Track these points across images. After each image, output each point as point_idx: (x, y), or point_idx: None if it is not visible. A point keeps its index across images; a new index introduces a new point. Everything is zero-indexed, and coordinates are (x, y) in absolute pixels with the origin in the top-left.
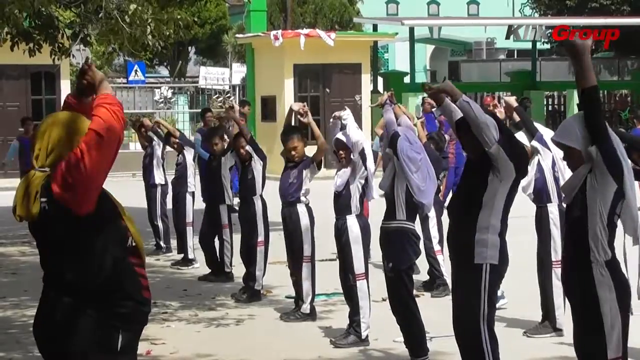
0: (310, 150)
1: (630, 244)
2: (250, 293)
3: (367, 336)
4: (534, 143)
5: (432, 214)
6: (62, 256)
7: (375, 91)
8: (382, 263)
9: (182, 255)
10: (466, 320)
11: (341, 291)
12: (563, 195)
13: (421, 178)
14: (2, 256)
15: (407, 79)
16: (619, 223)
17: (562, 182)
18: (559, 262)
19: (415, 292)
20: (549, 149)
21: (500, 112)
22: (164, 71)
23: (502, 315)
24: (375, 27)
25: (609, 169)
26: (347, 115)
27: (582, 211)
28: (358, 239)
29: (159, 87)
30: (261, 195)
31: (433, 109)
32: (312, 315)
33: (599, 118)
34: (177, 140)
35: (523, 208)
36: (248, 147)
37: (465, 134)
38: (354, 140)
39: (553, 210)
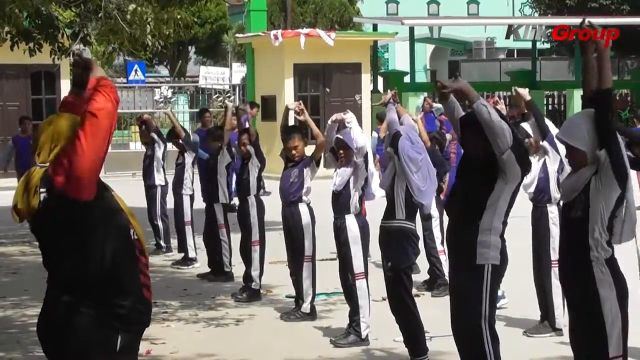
0: (310, 150)
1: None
2: (250, 293)
3: (367, 336)
4: (545, 144)
5: (435, 213)
6: (62, 249)
7: (375, 91)
8: (382, 262)
9: (182, 254)
10: (468, 321)
11: (341, 291)
12: (560, 193)
13: (421, 178)
14: (3, 256)
15: (407, 79)
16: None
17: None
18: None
19: (415, 291)
20: (559, 153)
21: (502, 109)
22: (164, 71)
23: (502, 315)
24: (375, 27)
25: (615, 174)
26: (350, 118)
27: (584, 212)
28: (357, 238)
29: (159, 87)
30: (256, 196)
31: (433, 109)
32: (312, 315)
33: (611, 121)
34: (180, 142)
35: (522, 208)
36: (250, 147)
37: (469, 132)
38: (359, 144)
39: (553, 210)
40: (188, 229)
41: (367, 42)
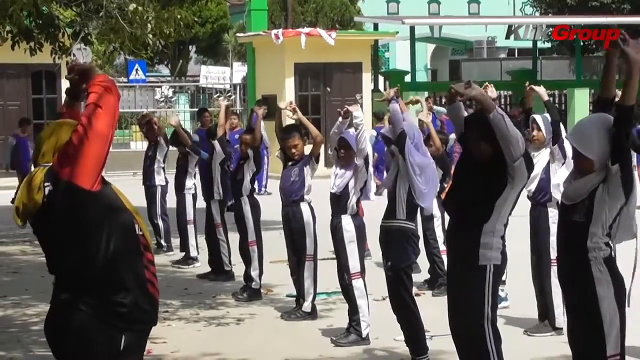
0: (309, 150)
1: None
2: (251, 292)
3: (367, 335)
4: (555, 148)
5: (437, 213)
6: (63, 245)
7: (376, 90)
8: (382, 261)
9: (182, 253)
10: (471, 322)
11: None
12: (562, 193)
13: (424, 181)
14: (3, 255)
15: (407, 78)
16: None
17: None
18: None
19: (416, 290)
20: (565, 156)
21: (492, 92)
22: (164, 70)
23: (502, 314)
24: (376, 26)
25: (623, 188)
26: (358, 114)
27: (586, 217)
28: (352, 238)
29: (160, 86)
30: (249, 196)
31: (434, 111)
32: (313, 314)
33: (628, 139)
34: (185, 150)
35: (521, 208)
36: (250, 150)
37: (473, 133)
38: (365, 152)
39: (552, 209)
40: (190, 228)
41: (367, 41)
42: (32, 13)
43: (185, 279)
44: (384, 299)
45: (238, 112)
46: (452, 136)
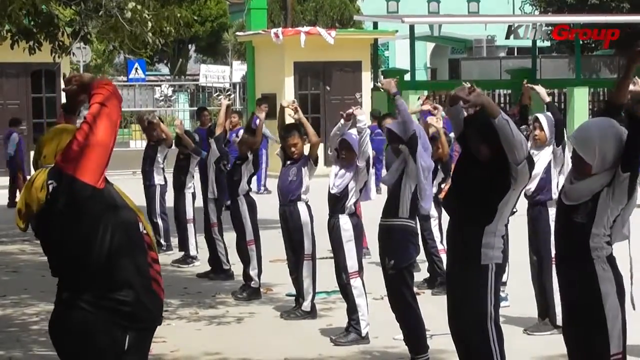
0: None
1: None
2: (250, 291)
3: (367, 334)
4: (558, 149)
5: (435, 213)
6: (65, 240)
7: (375, 89)
8: (380, 260)
9: (182, 253)
10: (474, 321)
11: None
12: (562, 192)
13: (428, 183)
14: (3, 254)
15: (407, 77)
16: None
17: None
18: None
19: (416, 289)
20: (564, 158)
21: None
22: (164, 69)
23: (503, 314)
24: (375, 25)
25: (629, 192)
26: (362, 118)
27: (589, 218)
28: (350, 237)
29: (160, 85)
30: (246, 196)
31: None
32: (312, 313)
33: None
34: (187, 152)
35: (519, 207)
36: (249, 153)
37: (474, 135)
38: (367, 155)
39: (551, 209)
40: (190, 227)
41: (367, 40)
42: (30, 12)
43: (185, 278)
44: (382, 298)
45: (238, 110)
46: (451, 135)
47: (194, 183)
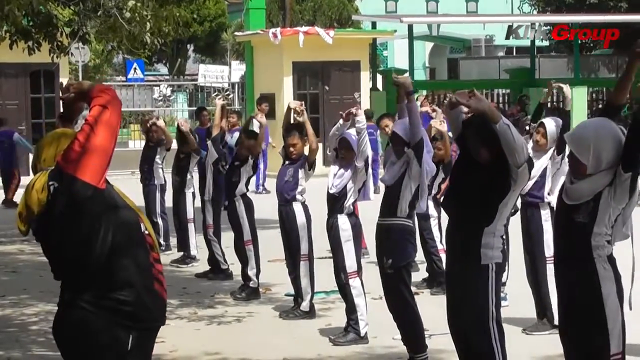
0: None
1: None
2: (249, 291)
3: (366, 334)
4: (557, 157)
5: (434, 213)
6: (66, 240)
7: (374, 89)
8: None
9: (181, 253)
10: (475, 320)
11: None
12: (562, 191)
13: (426, 184)
14: (2, 254)
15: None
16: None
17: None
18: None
19: (415, 289)
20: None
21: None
22: (163, 69)
23: (502, 314)
24: (374, 25)
25: (630, 192)
26: (361, 119)
27: (590, 218)
28: (349, 237)
29: (158, 85)
30: (243, 196)
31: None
32: (311, 313)
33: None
34: (189, 151)
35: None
36: (250, 157)
37: (473, 137)
38: (366, 155)
39: (545, 208)
40: (190, 227)
41: (366, 40)
42: (29, 12)
43: (184, 278)
44: (381, 297)
45: (237, 110)
46: (450, 134)
47: (193, 183)
